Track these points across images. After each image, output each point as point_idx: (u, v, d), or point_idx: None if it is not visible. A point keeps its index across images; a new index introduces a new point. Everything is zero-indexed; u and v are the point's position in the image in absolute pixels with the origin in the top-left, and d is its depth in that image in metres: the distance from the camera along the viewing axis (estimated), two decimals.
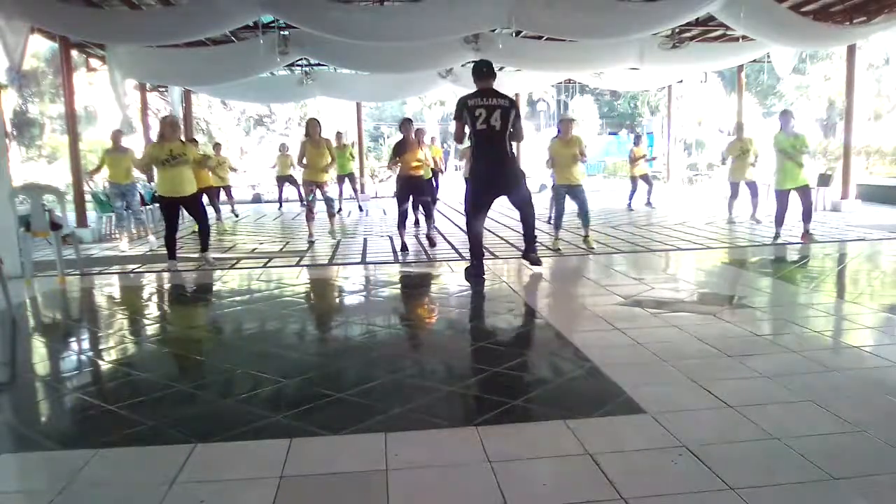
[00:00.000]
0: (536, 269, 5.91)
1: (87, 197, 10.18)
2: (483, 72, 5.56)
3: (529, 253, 5.89)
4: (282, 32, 9.37)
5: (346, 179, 13.14)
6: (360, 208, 12.71)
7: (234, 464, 2.30)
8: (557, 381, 3.20)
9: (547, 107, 30.93)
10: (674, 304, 4.51)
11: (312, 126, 8.17)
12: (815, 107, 25.94)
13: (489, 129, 5.35)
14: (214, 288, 6.00)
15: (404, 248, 7.26)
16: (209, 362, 3.75)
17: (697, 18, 9.28)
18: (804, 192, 7.31)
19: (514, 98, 5.70)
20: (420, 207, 7.99)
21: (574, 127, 7.38)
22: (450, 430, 2.55)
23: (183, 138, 7.16)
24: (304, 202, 13.04)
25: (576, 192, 7.14)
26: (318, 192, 8.22)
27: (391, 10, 8.82)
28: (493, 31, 9.53)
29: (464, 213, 5.90)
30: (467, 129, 5.43)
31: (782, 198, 7.37)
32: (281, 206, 13.98)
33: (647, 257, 6.78)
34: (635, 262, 6.50)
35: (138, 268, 6.92)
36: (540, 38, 10.55)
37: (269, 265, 6.87)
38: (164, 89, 15.91)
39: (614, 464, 2.20)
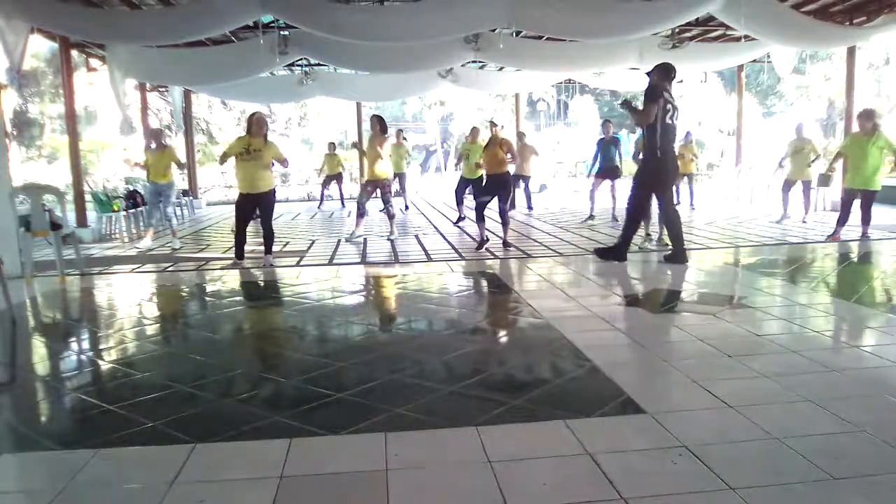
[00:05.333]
0: (527, 267, 6.03)
1: (87, 197, 10.18)
2: (672, 74, 6.09)
3: (680, 256, 6.13)
4: (282, 32, 9.36)
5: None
6: (343, 206, 12.94)
7: (234, 464, 2.30)
8: (557, 381, 3.20)
9: (547, 107, 30.91)
10: (674, 304, 4.51)
11: (370, 123, 8.31)
12: (815, 107, 25.94)
13: (673, 125, 5.89)
14: (214, 288, 6.00)
15: (483, 242, 7.23)
16: (209, 362, 3.74)
17: (697, 18, 9.27)
18: (862, 195, 7.50)
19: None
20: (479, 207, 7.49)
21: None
22: (450, 430, 2.55)
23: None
24: (344, 201, 13.33)
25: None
26: (378, 191, 8.28)
27: (391, 10, 8.81)
28: (493, 31, 9.52)
29: (631, 201, 6.28)
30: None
31: (844, 196, 7.61)
32: (321, 204, 14.15)
33: (648, 257, 6.77)
34: (635, 262, 6.49)
35: (139, 267, 6.92)
36: (540, 38, 10.55)
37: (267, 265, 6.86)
38: (164, 89, 15.92)
39: (614, 464, 2.20)
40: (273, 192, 6.73)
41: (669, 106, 5.84)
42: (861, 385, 2.92)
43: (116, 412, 2.82)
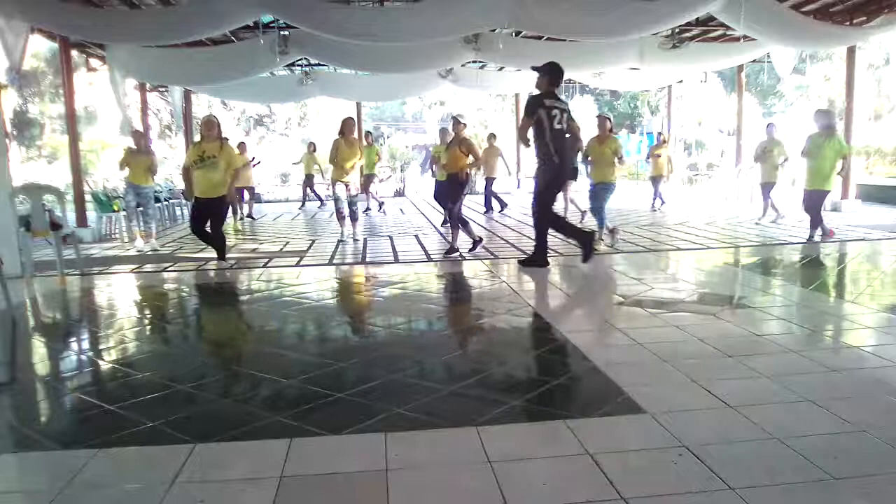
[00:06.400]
0: (525, 267, 6.08)
1: (87, 197, 10.18)
2: (560, 77, 5.95)
3: (540, 259, 6.06)
4: (282, 32, 9.36)
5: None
6: (368, 209, 12.77)
7: (234, 464, 2.30)
8: (557, 381, 3.20)
9: None
10: (674, 304, 4.51)
11: (347, 125, 8.15)
12: (815, 107, 25.91)
13: (561, 129, 5.80)
14: (214, 288, 5.99)
15: (478, 240, 7.05)
16: (209, 362, 3.75)
17: (697, 18, 9.28)
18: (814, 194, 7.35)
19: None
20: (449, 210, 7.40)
21: (609, 125, 7.57)
22: (450, 430, 2.55)
23: (225, 139, 6.94)
24: (320, 201, 13.29)
25: (607, 189, 7.42)
26: (343, 192, 8.15)
27: (391, 10, 8.82)
28: (493, 31, 9.52)
29: (535, 207, 6.13)
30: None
31: (805, 198, 7.45)
32: (303, 204, 14.10)
33: (647, 257, 6.78)
34: (635, 262, 6.50)
35: (138, 268, 6.92)
36: (540, 38, 10.55)
37: (268, 265, 6.87)
38: (164, 89, 15.90)
39: (614, 464, 2.20)
40: (226, 197, 6.75)
41: (556, 111, 5.74)
42: (861, 385, 2.92)
43: (116, 412, 2.82)
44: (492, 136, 11.86)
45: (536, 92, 5.95)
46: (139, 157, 8.41)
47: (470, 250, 7.10)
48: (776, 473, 2.12)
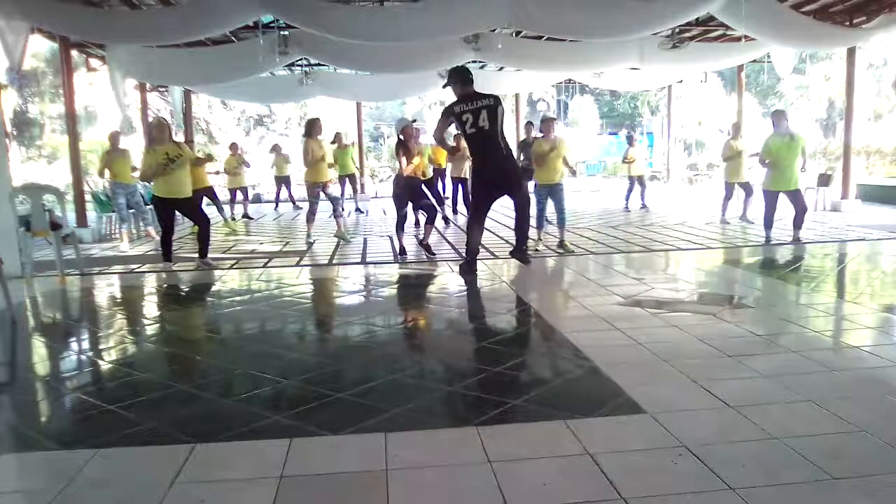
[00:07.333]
0: (525, 267, 6.03)
1: (87, 197, 10.19)
2: (469, 79, 5.73)
3: (520, 252, 6.00)
4: (282, 32, 9.36)
5: (347, 180, 13.10)
6: (358, 209, 12.66)
7: (234, 464, 2.30)
8: (557, 381, 3.20)
9: (547, 107, 30.94)
10: (674, 304, 4.51)
11: (315, 125, 8.16)
12: (815, 107, 25.92)
13: (479, 130, 5.52)
14: (214, 288, 5.99)
15: (402, 251, 7.04)
16: (209, 362, 3.75)
17: (697, 18, 9.28)
18: (794, 196, 7.18)
19: (497, 96, 5.87)
20: (421, 210, 7.56)
21: (555, 126, 7.43)
22: (450, 430, 2.55)
23: (176, 139, 7.12)
24: (295, 203, 13.13)
25: (554, 191, 7.16)
26: (321, 193, 8.17)
27: (391, 10, 8.81)
28: (493, 31, 9.52)
29: (468, 211, 6.04)
30: (452, 131, 5.64)
31: (770, 199, 7.28)
32: (277, 206, 13.90)
33: (647, 257, 6.78)
34: (635, 262, 6.50)
35: (138, 268, 6.92)
36: (540, 38, 10.55)
37: (269, 265, 6.87)
38: (164, 89, 15.91)
39: (614, 464, 2.20)
40: (195, 194, 6.78)
41: (468, 115, 5.48)
42: (861, 385, 2.92)
43: (116, 412, 2.82)
44: (458, 137, 11.66)
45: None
46: (117, 155, 8.47)
47: (401, 254, 7.00)
48: (776, 473, 2.12)
